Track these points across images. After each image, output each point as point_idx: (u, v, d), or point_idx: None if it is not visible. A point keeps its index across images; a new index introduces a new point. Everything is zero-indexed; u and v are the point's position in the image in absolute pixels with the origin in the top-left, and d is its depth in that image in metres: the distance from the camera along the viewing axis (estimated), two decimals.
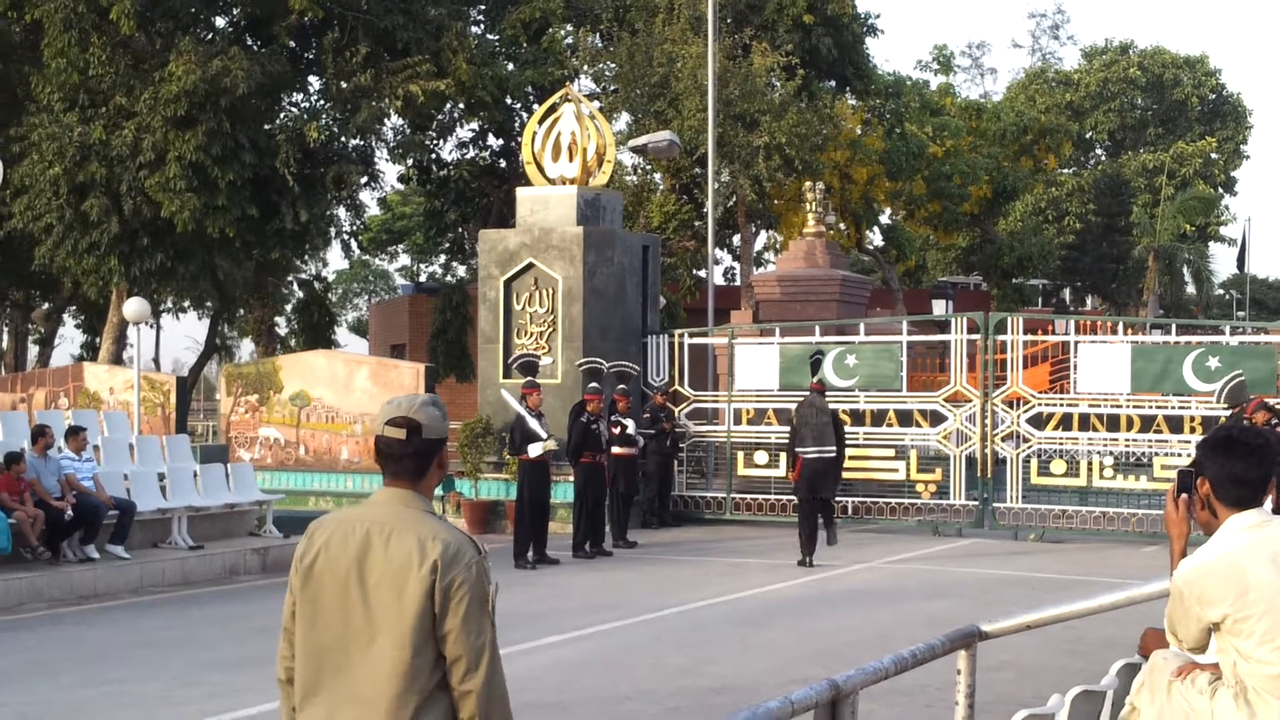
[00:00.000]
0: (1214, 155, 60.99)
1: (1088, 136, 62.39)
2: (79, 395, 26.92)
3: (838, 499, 21.54)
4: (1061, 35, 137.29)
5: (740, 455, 22.31)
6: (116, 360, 31.18)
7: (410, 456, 3.83)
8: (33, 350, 46.10)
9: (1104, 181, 59.38)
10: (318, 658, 3.76)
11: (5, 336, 45.25)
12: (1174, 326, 22.23)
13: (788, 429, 18.59)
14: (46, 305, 44.05)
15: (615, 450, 19.60)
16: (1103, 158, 65.04)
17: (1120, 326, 22.68)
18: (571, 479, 19.11)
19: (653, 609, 13.95)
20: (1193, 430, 19.96)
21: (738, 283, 41.15)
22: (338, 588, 3.76)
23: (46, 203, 27.90)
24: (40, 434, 15.95)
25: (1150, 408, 20.60)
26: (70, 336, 67.42)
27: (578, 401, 19.25)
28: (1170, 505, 4.76)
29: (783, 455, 21.06)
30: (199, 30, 29.35)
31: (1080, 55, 67.23)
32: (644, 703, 9.80)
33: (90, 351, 42.47)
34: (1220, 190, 61.71)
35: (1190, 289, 59.40)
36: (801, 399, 18.22)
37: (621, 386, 20.61)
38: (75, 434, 16.60)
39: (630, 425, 20.07)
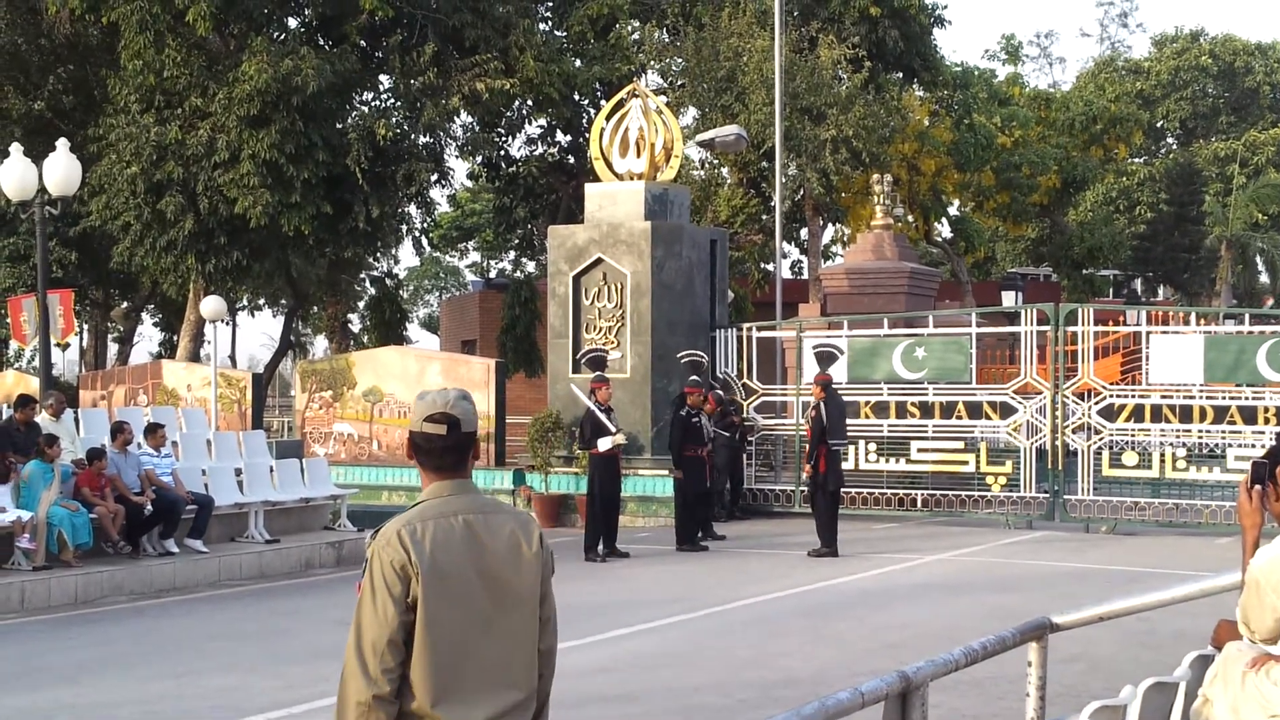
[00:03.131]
0: None
1: (1159, 125, 61.67)
2: (157, 392, 27.38)
3: (908, 491, 21.63)
4: (1130, 23, 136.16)
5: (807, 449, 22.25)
6: (194, 357, 31.65)
7: (452, 450, 3.98)
8: (112, 348, 46.81)
9: (1175, 170, 58.68)
10: (452, 651, 3.84)
11: (85, 335, 45.97)
12: (1247, 316, 21.98)
13: (809, 421, 18.66)
14: (125, 304, 44.72)
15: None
16: (1174, 146, 64.27)
17: (1193, 317, 22.45)
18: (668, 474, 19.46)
19: (721, 602, 14.00)
20: (1267, 421, 19.74)
21: (805, 276, 41.07)
22: (459, 580, 3.86)
23: (124, 202, 28.38)
24: (119, 430, 16.24)
25: (1224, 398, 20.38)
26: (149, 334, 68.29)
27: (678, 395, 19.41)
28: (1244, 495, 4.76)
29: (859, 448, 21.07)
30: (272, 30, 29.70)
31: (1150, 43, 66.55)
32: (713, 695, 9.86)
33: (168, 349, 43.14)
34: None
35: (1264, 278, 58.56)
36: (820, 390, 18.19)
37: (694, 378, 20.63)
38: (154, 430, 16.91)
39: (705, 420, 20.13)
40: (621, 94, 23.32)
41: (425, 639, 3.81)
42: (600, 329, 22.22)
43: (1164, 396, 20.50)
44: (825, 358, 20.28)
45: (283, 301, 47.59)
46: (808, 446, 18.67)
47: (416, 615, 3.81)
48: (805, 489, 20.13)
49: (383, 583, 3.80)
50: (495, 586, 3.90)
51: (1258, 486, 4.69)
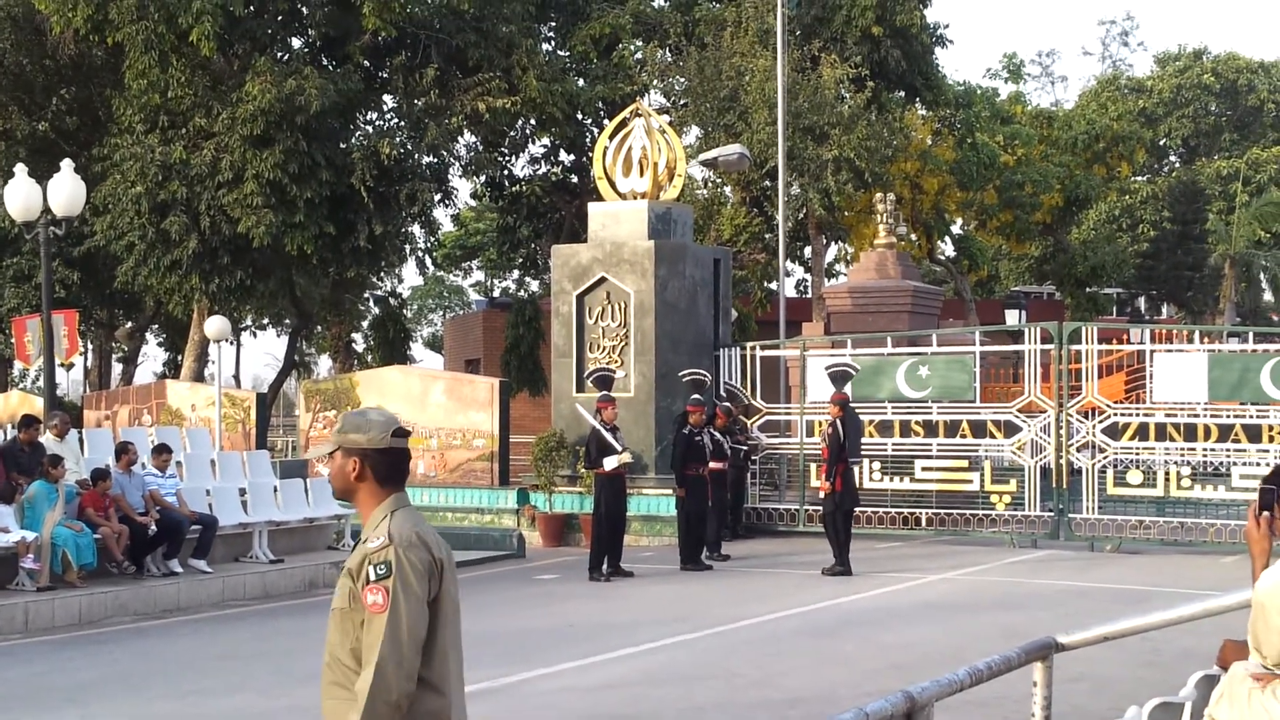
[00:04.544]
0: None
1: (1161, 143, 61.74)
2: (162, 412, 27.39)
3: (912, 510, 21.61)
4: (1131, 42, 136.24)
5: (813, 467, 22.24)
6: (198, 377, 31.68)
7: (407, 462, 4.31)
8: (116, 368, 46.84)
9: (1178, 188, 58.71)
10: (452, 651, 4.05)
11: (90, 355, 46.01)
12: (1251, 334, 21.97)
13: (823, 438, 18.74)
14: (129, 324, 44.78)
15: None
16: (1177, 164, 64.33)
17: (1196, 335, 22.44)
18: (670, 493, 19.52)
19: (726, 621, 13.99)
20: (1271, 439, 19.73)
21: (809, 295, 41.09)
22: (452, 584, 4.10)
23: (129, 222, 28.43)
24: (124, 451, 16.25)
25: (1228, 417, 20.38)
26: (153, 354, 68.34)
27: (681, 413, 19.41)
28: (1252, 522, 4.75)
29: (863, 467, 21.03)
30: (275, 51, 29.79)
31: (1153, 61, 66.64)
32: (718, 714, 9.85)
33: (173, 369, 43.16)
34: None
35: (1268, 296, 58.60)
36: (838, 409, 18.21)
37: (696, 397, 20.58)
38: (159, 451, 16.92)
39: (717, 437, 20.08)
40: (624, 113, 23.39)
41: (444, 634, 4.02)
42: (604, 348, 22.24)
43: (1168, 415, 20.49)
44: (840, 376, 20.31)
45: (286, 321, 47.62)
46: (824, 464, 18.60)
47: (435, 611, 4.00)
48: (819, 508, 19.83)
49: (414, 582, 3.93)
50: (453, 591, 4.13)
51: (1265, 513, 4.68)
